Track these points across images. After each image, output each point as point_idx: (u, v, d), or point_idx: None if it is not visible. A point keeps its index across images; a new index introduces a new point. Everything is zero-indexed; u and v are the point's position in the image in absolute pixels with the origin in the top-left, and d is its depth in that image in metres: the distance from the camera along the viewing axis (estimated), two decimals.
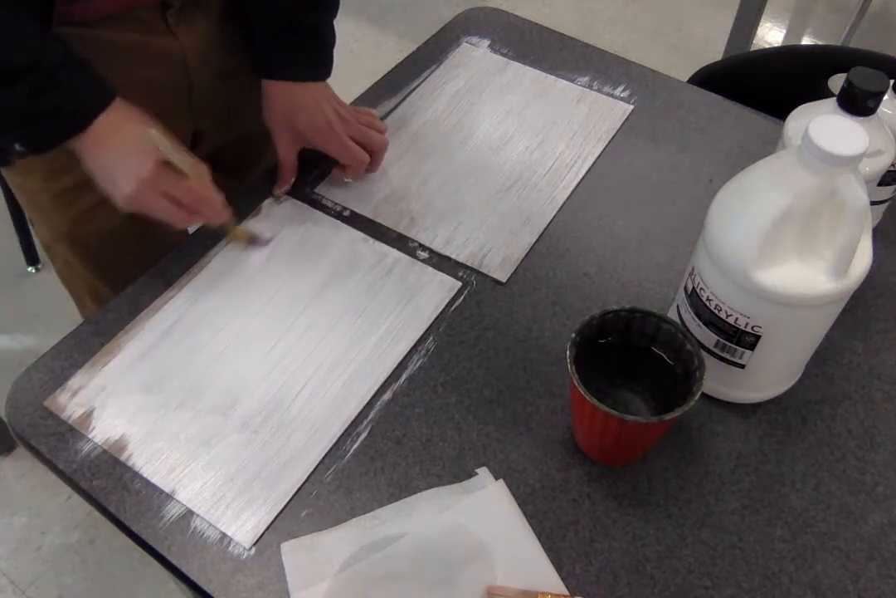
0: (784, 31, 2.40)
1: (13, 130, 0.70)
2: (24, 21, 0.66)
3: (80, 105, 0.69)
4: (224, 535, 0.66)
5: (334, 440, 0.71)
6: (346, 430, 0.72)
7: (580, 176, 0.91)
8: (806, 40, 2.41)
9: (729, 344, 0.67)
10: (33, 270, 1.80)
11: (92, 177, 0.73)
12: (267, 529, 0.66)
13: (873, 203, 0.76)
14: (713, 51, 2.17)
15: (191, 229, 0.86)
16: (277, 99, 0.86)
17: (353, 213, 0.88)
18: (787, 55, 1.14)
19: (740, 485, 0.69)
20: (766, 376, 0.71)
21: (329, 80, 0.89)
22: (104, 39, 0.77)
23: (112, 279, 0.98)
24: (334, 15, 0.87)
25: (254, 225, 0.86)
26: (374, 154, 0.89)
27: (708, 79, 1.12)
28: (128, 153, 0.72)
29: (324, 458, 0.70)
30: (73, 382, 0.75)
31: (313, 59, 0.87)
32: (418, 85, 1.01)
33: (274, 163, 0.90)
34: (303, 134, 0.87)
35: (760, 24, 1.93)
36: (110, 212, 0.89)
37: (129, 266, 0.95)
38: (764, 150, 0.90)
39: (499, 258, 0.84)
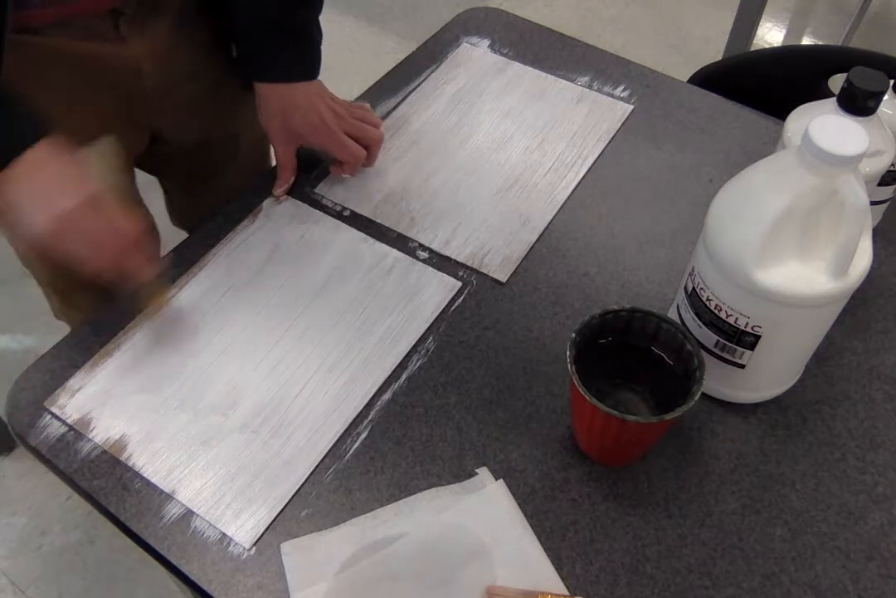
0: (784, 31, 2.40)
1: None
2: None
3: (3, 143, 0.66)
4: (224, 535, 0.66)
5: (334, 440, 0.71)
6: (346, 430, 0.72)
7: (580, 176, 0.91)
8: (806, 40, 2.41)
9: (729, 344, 0.67)
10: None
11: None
12: (267, 529, 0.66)
13: (873, 203, 0.76)
14: (713, 51, 2.17)
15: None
16: (271, 100, 0.86)
17: (353, 213, 0.88)
18: (787, 55, 1.14)
19: (740, 485, 0.69)
20: (766, 376, 0.71)
21: (329, 81, 0.89)
22: (52, 47, 0.76)
23: (72, 277, 0.98)
24: (319, 12, 0.86)
25: (254, 225, 0.86)
26: (369, 148, 0.89)
27: (708, 79, 1.12)
28: (48, 190, 0.66)
29: (324, 458, 0.70)
30: (73, 382, 0.75)
31: (302, 59, 0.86)
32: (418, 85, 1.01)
33: (245, 168, 0.89)
34: (299, 133, 0.87)
35: (760, 24, 1.92)
36: None
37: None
38: (764, 150, 0.91)
39: (499, 258, 0.84)
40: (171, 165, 1.03)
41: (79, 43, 0.77)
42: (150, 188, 1.06)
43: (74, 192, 0.67)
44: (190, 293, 0.81)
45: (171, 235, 1.19)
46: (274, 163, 0.91)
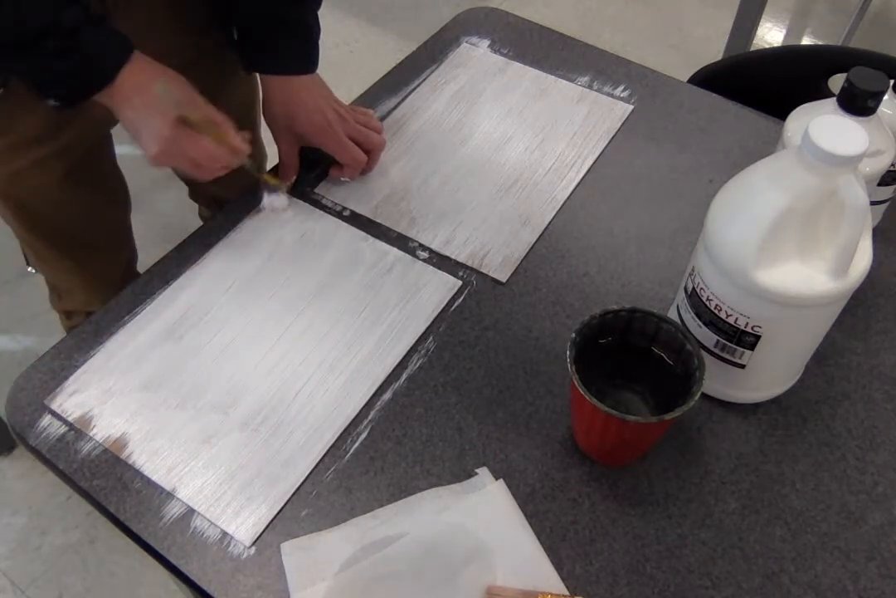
0: (784, 31, 2.40)
1: (44, 88, 0.71)
2: None
3: (102, 62, 0.70)
4: (224, 534, 0.66)
5: (334, 440, 0.71)
6: (346, 430, 0.72)
7: (580, 176, 0.91)
8: (806, 40, 2.41)
9: (729, 344, 0.67)
10: (33, 271, 1.80)
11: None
12: (267, 528, 0.66)
13: (873, 203, 0.76)
14: (713, 51, 2.17)
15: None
16: (276, 99, 0.87)
17: (353, 213, 0.88)
18: (787, 55, 1.14)
19: (740, 485, 0.69)
20: (766, 376, 0.71)
21: (329, 81, 0.89)
22: None
23: (45, 234, 1.03)
24: (318, 6, 0.87)
25: (257, 222, 0.86)
26: (371, 153, 0.89)
27: (708, 79, 1.12)
28: (148, 114, 0.73)
29: (324, 457, 0.70)
30: (73, 381, 0.75)
31: (297, 51, 0.87)
32: (418, 85, 1.01)
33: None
34: (302, 133, 0.87)
35: (760, 24, 1.93)
36: (42, 172, 0.93)
37: (62, 222, 1.00)
38: (764, 150, 0.90)
39: (499, 258, 0.84)
40: None
41: None
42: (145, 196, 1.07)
43: (166, 114, 0.73)
44: (190, 292, 0.81)
45: (171, 234, 1.19)
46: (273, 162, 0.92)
